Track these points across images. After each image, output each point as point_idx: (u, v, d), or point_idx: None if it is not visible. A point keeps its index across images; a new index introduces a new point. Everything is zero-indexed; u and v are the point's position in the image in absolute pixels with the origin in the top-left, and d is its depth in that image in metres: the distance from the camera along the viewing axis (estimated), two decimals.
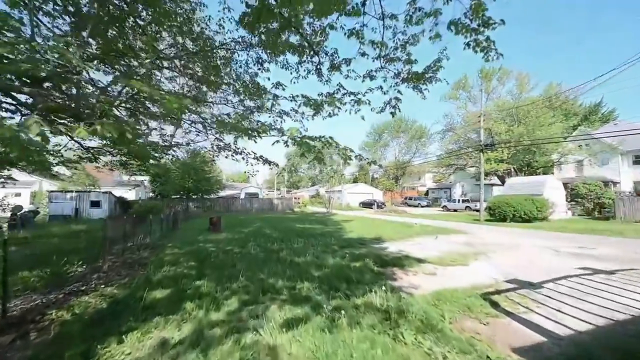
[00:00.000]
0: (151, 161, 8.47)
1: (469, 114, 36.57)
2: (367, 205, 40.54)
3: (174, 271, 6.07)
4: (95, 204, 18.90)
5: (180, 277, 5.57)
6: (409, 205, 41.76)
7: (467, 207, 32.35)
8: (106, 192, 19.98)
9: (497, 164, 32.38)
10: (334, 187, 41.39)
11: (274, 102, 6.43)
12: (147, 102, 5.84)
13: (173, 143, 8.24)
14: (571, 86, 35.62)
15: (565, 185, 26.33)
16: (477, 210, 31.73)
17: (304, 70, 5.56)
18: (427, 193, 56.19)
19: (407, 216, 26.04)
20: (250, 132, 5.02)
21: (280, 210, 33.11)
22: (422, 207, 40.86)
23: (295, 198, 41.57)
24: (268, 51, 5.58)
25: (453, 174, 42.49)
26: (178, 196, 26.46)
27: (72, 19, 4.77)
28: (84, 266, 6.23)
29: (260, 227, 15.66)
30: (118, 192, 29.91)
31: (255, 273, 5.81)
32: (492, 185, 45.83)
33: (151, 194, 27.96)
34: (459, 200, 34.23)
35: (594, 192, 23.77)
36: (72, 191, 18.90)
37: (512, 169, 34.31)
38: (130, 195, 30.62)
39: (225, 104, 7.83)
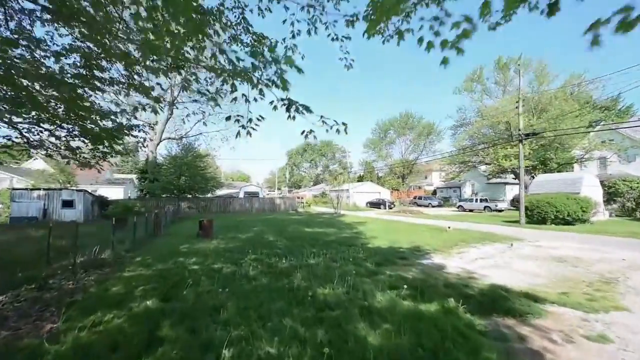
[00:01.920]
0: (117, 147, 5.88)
1: (486, 107, 33.90)
2: (375, 205, 37.87)
3: (105, 324, 3.35)
4: (68, 204, 16.13)
5: (101, 347, 2.84)
6: (419, 205, 39.05)
7: (486, 207, 29.62)
8: (81, 191, 17.22)
9: (517, 160, 29.53)
10: (340, 186, 38.69)
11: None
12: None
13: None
14: (595, 77, 33.02)
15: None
16: (499, 211, 29.19)
17: None
18: (434, 192, 53.61)
19: (423, 217, 23.35)
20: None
21: (283, 210, 30.38)
22: (433, 207, 38.22)
23: (299, 197, 38.86)
24: None
25: (465, 172, 39.75)
26: (169, 195, 23.71)
27: None
28: None
29: (261, 232, 12.93)
30: (104, 190, 27.21)
31: (254, 333, 3.10)
32: (506, 184, 43.26)
33: (139, 193, 25.21)
34: (476, 199, 31.50)
35: (636, 190, 21.12)
36: (39, 189, 16.15)
37: (530, 167, 31.57)
38: (117, 194, 27.87)
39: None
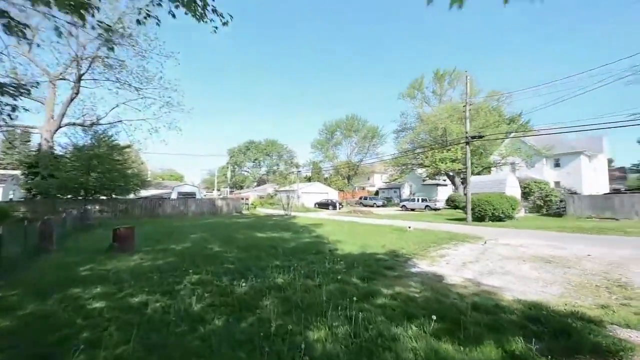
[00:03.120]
0: None
1: (425, 114, 36.52)
2: (323, 205, 37.23)
3: None
4: None
5: None
6: (365, 205, 39.99)
7: (426, 206, 31.65)
8: None
9: (452, 163, 32.45)
10: (290, 186, 36.90)
11: None
12: None
13: None
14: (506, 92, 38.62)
15: None
16: (437, 209, 31.45)
17: None
18: (377, 193, 56.11)
19: (374, 217, 23.38)
20: None
21: (226, 213, 27.12)
22: (377, 206, 39.54)
23: (243, 199, 35.68)
24: None
25: (406, 174, 42.30)
26: (73, 197, 18.51)
27: None
28: None
29: (202, 241, 10.45)
30: None
31: None
32: (438, 185, 47.62)
33: (26, 194, 19.05)
34: (417, 199, 33.47)
35: (544, 190, 24.86)
36: None
37: (459, 170, 34.94)
38: None
39: None
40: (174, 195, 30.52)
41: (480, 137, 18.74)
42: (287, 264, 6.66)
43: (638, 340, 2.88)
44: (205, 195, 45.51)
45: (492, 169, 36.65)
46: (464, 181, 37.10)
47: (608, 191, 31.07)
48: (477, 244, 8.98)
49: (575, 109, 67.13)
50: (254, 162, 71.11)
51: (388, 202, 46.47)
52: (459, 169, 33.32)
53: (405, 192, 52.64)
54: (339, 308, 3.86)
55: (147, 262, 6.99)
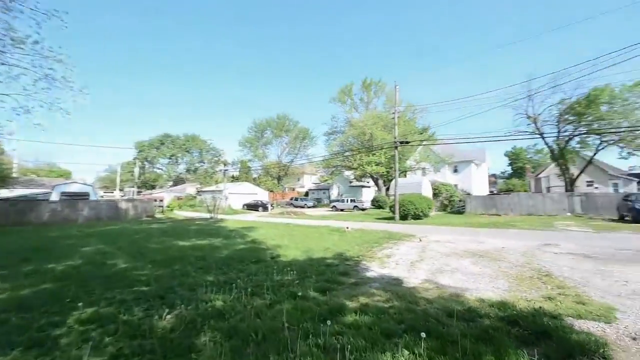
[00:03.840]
0: None
1: (354, 119, 38.59)
2: (252, 207, 35.17)
3: None
4: None
5: None
6: (296, 206, 39.63)
7: (355, 206, 33.27)
8: None
9: (377, 167, 35.02)
10: (216, 186, 33.43)
11: None
12: None
13: None
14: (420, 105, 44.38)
15: None
16: (364, 209, 33.41)
17: None
18: (307, 194, 56.67)
19: (308, 218, 23.13)
20: None
21: (133, 217, 22.51)
22: (308, 207, 39.73)
23: (156, 200, 30.53)
24: None
25: (335, 176, 43.92)
26: None
27: None
28: None
29: (99, 255, 7.99)
30: None
31: None
32: (363, 187, 51.18)
33: None
34: (346, 200, 34.92)
35: (449, 192, 29.20)
36: None
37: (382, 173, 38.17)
38: None
39: None
40: (54, 197, 23.71)
41: (407, 142, 20.59)
42: (224, 279, 5.45)
43: (602, 333, 3.03)
44: (102, 197, 37.37)
45: (407, 173, 41.27)
46: (386, 183, 40.86)
47: (488, 193, 38.92)
48: (414, 242, 9.44)
49: (472, 123, 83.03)
50: (170, 158, 62.46)
51: (318, 203, 47.33)
52: (383, 172, 36.27)
53: (334, 193, 54.70)
54: (306, 335, 3.07)
55: (2, 294, 4.69)
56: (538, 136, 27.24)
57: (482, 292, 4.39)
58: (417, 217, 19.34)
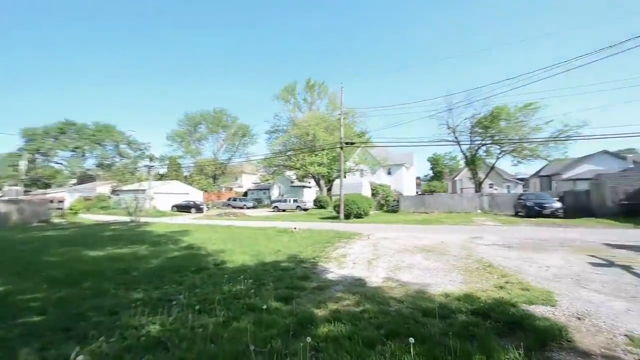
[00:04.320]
0: None
1: (297, 119, 38.34)
2: (184, 208, 31.59)
3: None
4: None
5: None
6: (234, 207, 37.25)
7: (297, 206, 32.99)
8: None
9: (319, 167, 35.42)
10: (139, 184, 28.76)
11: None
12: None
13: None
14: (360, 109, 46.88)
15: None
16: (306, 209, 33.35)
17: None
18: (245, 194, 54.17)
19: (249, 219, 21.83)
20: None
21: (17, 223, 17.58)
22: (248, 208, 37.84)
23: (53, 201, 24.66)
24: None
25: (277, 175, 42.87)
26: None
27: None
28: None
29: None
30: None
31: None
32: (304, 187, 51.46)
33: None
34: (289, 200, 34.38)
35: (385, 192, 31.41)
36: None
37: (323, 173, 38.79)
38: None
39: None
40: None
41: (352, 143, 21.25)
42: (157, 295, 4.43)
43: (554, 316, 3.31)
44: None
45: (347, 174, 42.95)
46: (328, 184, 41.79)
47: (415, 193, 43.50)
48: (364, 240, 9.57)
49: (403, 130, 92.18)
50: (74, 151, 51.62)
51: (259, 203, 45.56)
52: (325, 173, 36.91)
53: (275, 194, 53.50)
54: (279, 357, 2.54)
55: None
56: (456, 144, 31.58)
57: (442, 287, 4.51)
58: (359, 216, 20.09)
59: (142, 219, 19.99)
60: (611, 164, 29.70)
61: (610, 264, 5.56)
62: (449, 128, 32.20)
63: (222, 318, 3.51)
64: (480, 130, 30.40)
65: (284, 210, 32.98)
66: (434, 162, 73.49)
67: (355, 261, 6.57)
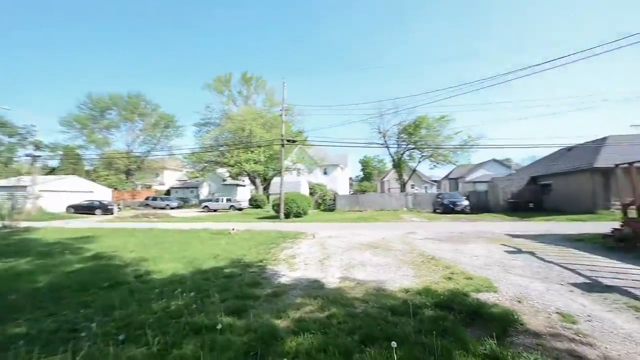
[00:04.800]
0: None
1: (232, 112, 35.89)
2: (85, 209, 25.80)
3: None
4: None
5: None
6: (154, 207, 32.61)
7: (231, 206, 30.89)
8: None
9: (255, 165, 33.86)
10: (19, 180, 22.21)
11: None
12: None
13: None
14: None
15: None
16: (240, 209, 31.39)
17: None
18: (168, 192, 48.35)
19: (176, 221, 19.25)
20: None
21: None
22: (172, 208, 33.68)
23: None
24: None
25: (209, 172, 39.20)
26: None
27: None
28: None
29: None
30: None
31: None
32: (238, 185, 48.79)
33: None
34: (222, 199, 31.88)
35: (322, 192, 32.04)
36: None
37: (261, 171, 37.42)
38: None
39: None
40: None
41: (294, 141, 20.81)
42: (55, 326, 3.27)
43: (498, 301, 3.62)
44: None
45: (284, 172, 42.30)
46: (264, 182, 40.39)
47: (349, 193, 45.81)
48: (310, 239, 9.33)
49: (339, 131, 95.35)
50: None
51: (185, 203, 41.07)
52: (261, 171, 35.52)
53: (204, 192, 49.17)
54: None
55: None
56: (386, 147, 34.48)
57: (399, 282, 4.57)
58: (298, 215, 19.88)
59: (23, 224, 15.48)
60: (498, 170, 36.96)
61: (519, 251, 6.66)
62: (380, 132, 34.97)
63: (157, 346, 2.73)
64: (405, 136, 33.92)
65: (215, 211, 30.43)
66: (365, 164, 78.97)
67: (306, 262, 6.25)
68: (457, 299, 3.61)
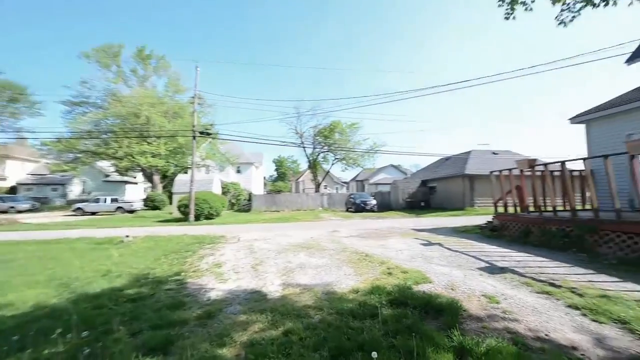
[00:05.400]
0: None
1: (122, 94, 29.38)
2: None
3: None
4: None
5: None
6: None
7: (118, 207, 25.21)
8: None
9: (153, 159, 28.66)
10: None
11: None
12: None
13: None
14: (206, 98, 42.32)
15: None
16: (132, 211, 25.88)
17: None
18: (13, 190, 36.15)
19: (30, 229, 14.17)
20: None
21: None
22: (20, 211, 25.16)
23: None
24: None
25: (84, 165, 30.71)
26: None
27: None
28: None
29: None
30: None
31: None
32: (126, 182, 40.74)
33: None
34: (105, 199, 25.59)
35: (237, 191, 29.93)
36: None
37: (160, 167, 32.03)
38: None
39: None
40: None
41: (208, 134, 18.49)
42: None
43: (437, 291, 3.92)
44: None
45: (191, 169, 37.59)
46: (164, 180, 34.75)
47: (263, 193, 44.55)
48: (234, 243, 8.33)
49: (255, 129, 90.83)
50: None
51: (43, 204, 31.29)
52: (160, 166, 30.40)
53: (77, 190, 38.91)
54: None
55: None
56: (302, 148, 35.16)
57: (345, 283, 4.45)
58: (210, 216, 17.85)
59: None
60: (395, 174, 43.09)
61: (429, 243, 7.68)
62: (297, 133, 35.44)
63: None
64: (320, 139, 35.49)
65: (93, 214, 24.19)
66: (279, 163, 78.79)
67: (236, 270, 5.45)
68: (406, 293, 3.73)
